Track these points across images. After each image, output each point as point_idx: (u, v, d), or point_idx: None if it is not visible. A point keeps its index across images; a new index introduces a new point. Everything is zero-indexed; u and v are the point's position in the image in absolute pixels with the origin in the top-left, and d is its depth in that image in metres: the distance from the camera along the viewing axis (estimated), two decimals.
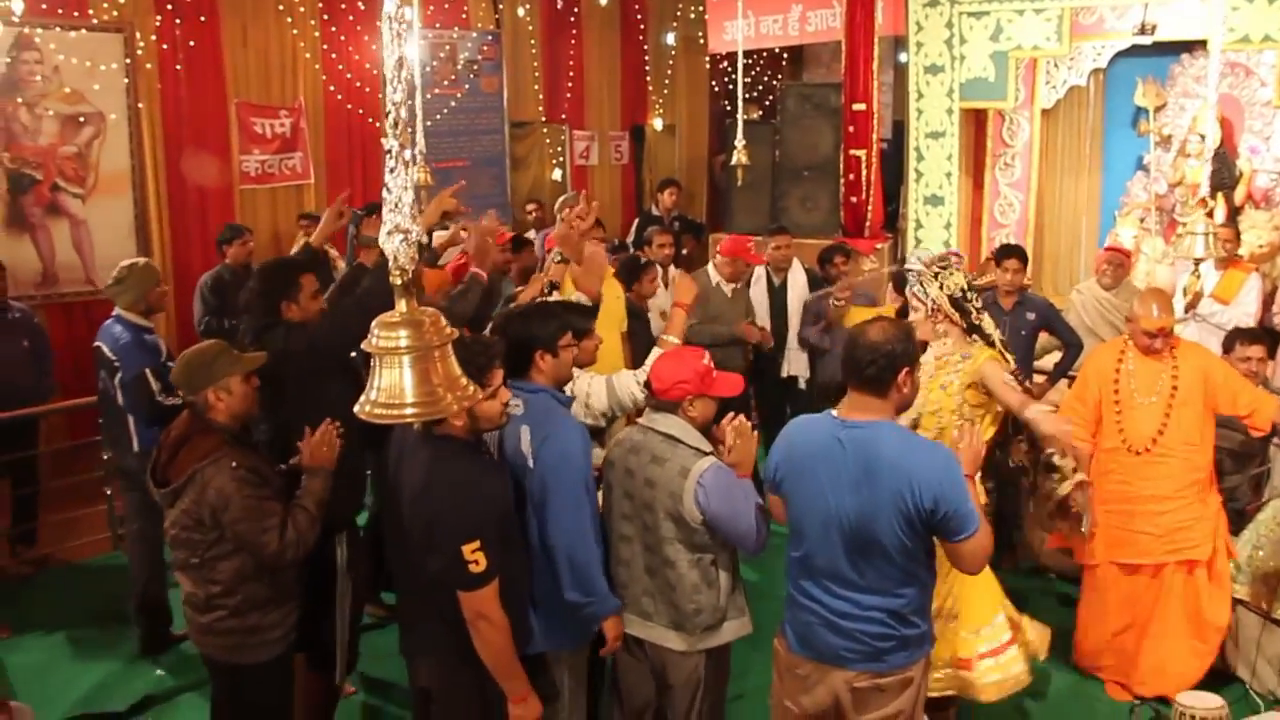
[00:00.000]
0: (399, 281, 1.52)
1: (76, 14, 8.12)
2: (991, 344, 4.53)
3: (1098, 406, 5.02)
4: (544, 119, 11.56)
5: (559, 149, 11.78)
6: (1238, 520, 5.23)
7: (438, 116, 10.08)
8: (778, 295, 7.33)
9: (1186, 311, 7.19)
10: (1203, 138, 8.64)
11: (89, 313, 8.51)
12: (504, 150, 10.96)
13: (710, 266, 7.12)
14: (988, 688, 4.34)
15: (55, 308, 8.28)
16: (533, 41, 11.32)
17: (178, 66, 8.72)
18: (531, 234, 9.15)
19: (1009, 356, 4.61)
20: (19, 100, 7.95)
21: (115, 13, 8.27)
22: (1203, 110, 8.85)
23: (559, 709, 3.72)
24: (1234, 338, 5.57)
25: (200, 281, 7.70)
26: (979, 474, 3.62)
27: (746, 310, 7.08)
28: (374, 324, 1.58)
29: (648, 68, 12.46)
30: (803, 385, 6.71)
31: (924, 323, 4.55)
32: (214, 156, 8.97)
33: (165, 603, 5.57)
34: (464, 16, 10.74)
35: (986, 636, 4.38)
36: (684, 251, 9.29)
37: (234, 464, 3.53)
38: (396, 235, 1.46)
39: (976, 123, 9.59)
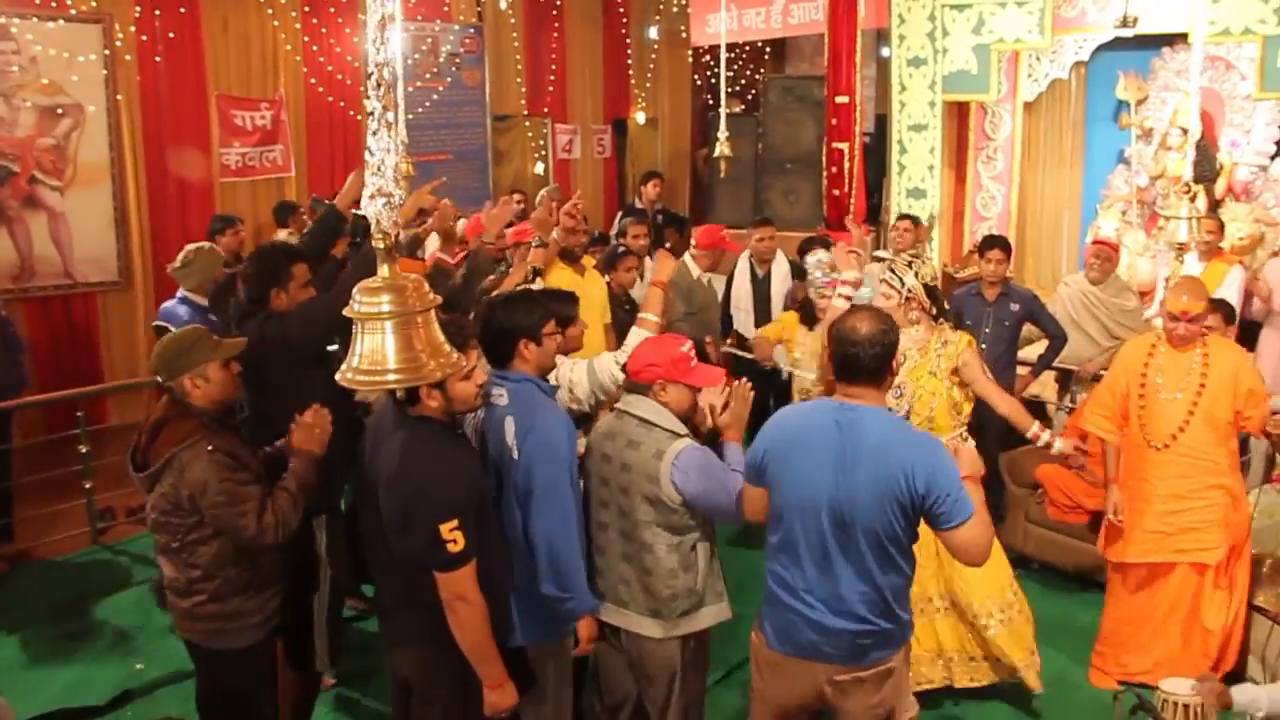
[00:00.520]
0: (382, 246, 1.50)
1: (54, 4, 8.06)
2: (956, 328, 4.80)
3: (1125, 399, 4.91)
4: (526, 112, 11.54)
5: (541, 142, 11.76)
6: None
7: (420, 110, 10.04)
8: (761, 286, 7.33)
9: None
10: (1184, 131, 8.67)
11: (67, 306, 8.47)
12: (486, 144, 10.93)
13: (688, 258, 7.11)
14: (998, 636, 4.70)
15: (33, 301, 8.22)
16: (515, 35, 11.29)
17: (157, 58, 8.66)
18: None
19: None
20: None
21: (94, 3, 8.22)
22: (1184, 103, 8.88)
23: (544, 703, 3.69)
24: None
25: None
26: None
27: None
28: (356, 289, 1.55)
29: (630, 61, 12.46)
30: (785, 376, 6.70)
31: (896, 310, 4.68)
32: (194, 149, 8.91)
33: None
34: (446, 10, 10.71)
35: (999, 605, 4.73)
36: (668, 245, 9.27)
37: (211, 448, 3.50)
38: (379, 199, 1.45)
39: (959, 116, 9.61)
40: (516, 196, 7.49)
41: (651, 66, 12.62)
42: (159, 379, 3.65)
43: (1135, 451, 4.90)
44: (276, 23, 9.32)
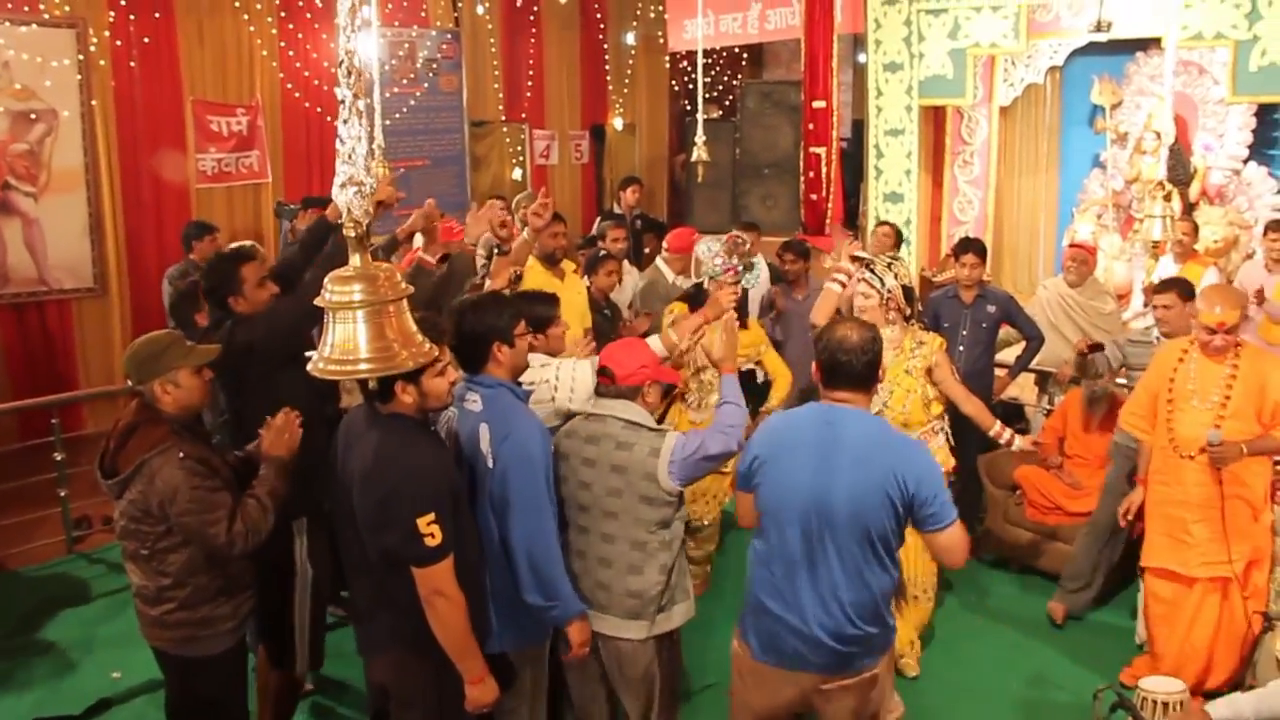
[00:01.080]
0: (353, 234, 1.49)
1: (27, 9, 8.00)
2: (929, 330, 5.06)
3: (1154, 401, 4.87)
4: (504, 118, 11.53)
5: (519, 148, 11.75)
6: None
7: (397, 115, 10.01)
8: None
9: (1145, 305, 7.25)
10: (1158, 135, 8.73)
11: (42, 313, 8.40)
12: (464, 149, 10.91)
13: (660, 263, 7.13)
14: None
15: (6, 308, 8.17)
16: (492, 40, 11.29)
17: (132, 63, 8.62)
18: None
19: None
20: None
21: (67, 8, 8.17)
22: (1158, 107, 8.94)
23: (520, 708, 3.68)
24: (1149, 291, 5.57)
25: (168, 273, 7.53)
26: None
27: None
28: (327, 279, 1.55)
29: (608, 67, 12.46)
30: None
31: (876, 310, 4.87)
32: (170, 155, 8.86)
33: None
34: (423, 15, 10.69)
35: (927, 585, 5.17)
36: (646, 250, 9.28)
37: (181, 454, 3.46)
38: (350, 187, 1.44)
39: (935, 120, 9.63)
40: (499, 203, 7.48)
41: (629, 72, 12.63)
42: (130, 382, 3.62)
43: (1161, 455, 4.84)
44: (252, 28, 9.27)
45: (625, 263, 7.24)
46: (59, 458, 6.57)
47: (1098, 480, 5.81)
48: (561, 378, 4.00)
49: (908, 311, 4.98)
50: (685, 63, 12.41)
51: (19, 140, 8.06)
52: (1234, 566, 4.67)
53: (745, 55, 13.05)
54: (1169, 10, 6.01)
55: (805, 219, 9.82)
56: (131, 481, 3.49)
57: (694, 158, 7.06)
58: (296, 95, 9.64)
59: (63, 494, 6.62)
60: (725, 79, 12.86)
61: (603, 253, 6.55)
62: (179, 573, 3.56)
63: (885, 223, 8.01)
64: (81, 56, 8.25)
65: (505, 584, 3.51)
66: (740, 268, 5.36)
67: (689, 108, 12.22)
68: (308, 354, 4.14)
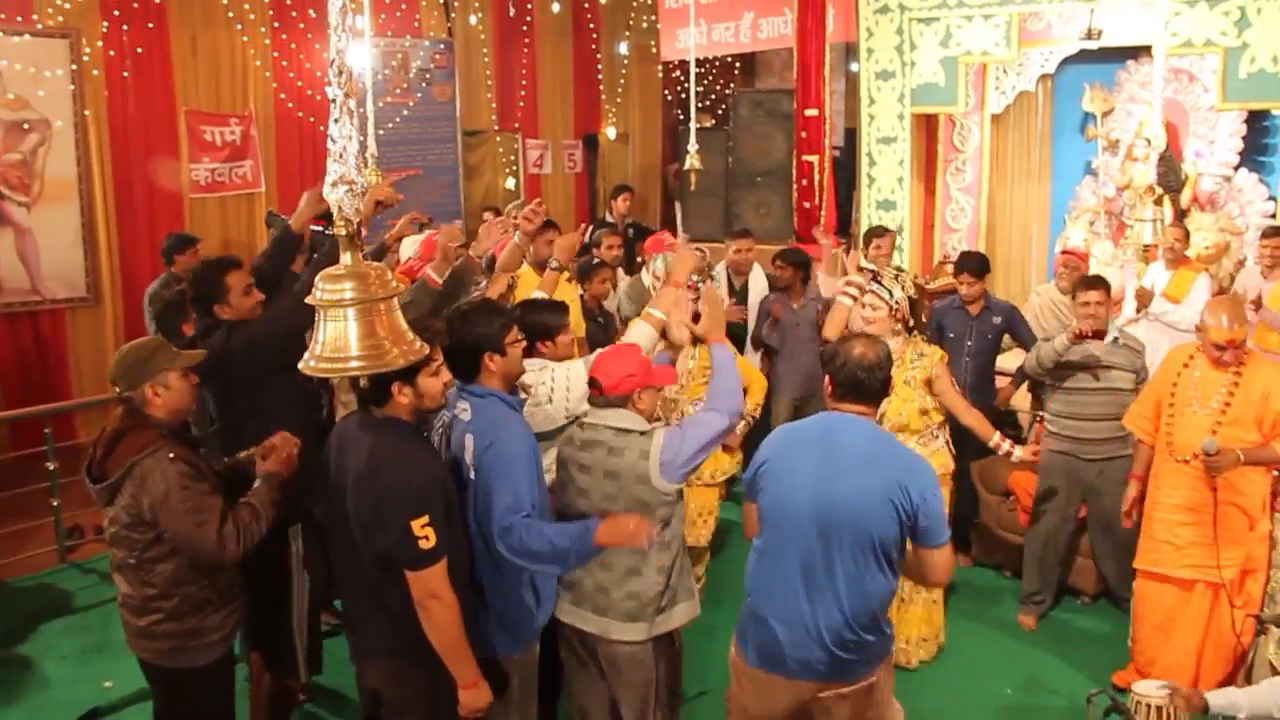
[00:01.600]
0: (344, 233, 1.50)
1: (20, 19, 8.01)
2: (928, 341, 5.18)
3: (1159, 404, 4.89)
4: (497, 128, 11.55)
5: (512, 158, 11.77)
6: None
7: (390, 125, 10.04)
8: (738, 298, 7.36)
9: (1138, 311, 7.27)
10: (1149, 142, 8.75)
11: (35, 323, 8.40)
12: (457, 159, 10.92)
13: (645, 271, 7.13)
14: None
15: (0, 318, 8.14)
16: (485, 50, 11.31)
17: (125, 73, 8.62)
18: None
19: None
20: None
21: (61, 18, 8.18)
22: (1149, 114, 8.97)
23: (509, 712, 3.67)
24: (1077, 285, 5.56)
25: (148, 291, 7.52)
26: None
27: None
28: (318, 277, 1.55)
29: (600, 76, 12.49)
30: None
31: (884, 320, 4.98)
32: (163, 164, 8.86)
33: None
34: (416, 25, 10.71)
35: None
36: (639, 259, 9.28)
37: (171, 455, 3.46)
38: (341, 186, 1.44)
39: (928, 128, 9.66)
40: (496, 217, 7.46)
41: (622, 82, 12.66)
42: (118, 388, 3.62)
43: (1159, 458, 4.87)
44: (246, 38, 9.29)
45: (618, 271, 7.24)
46: (51, 467, 6.55)
47: None
48: (558, 379, 4.01)
49: (911, 323, 5.11)
50: (678, 72, 12.45)
51: (12, 150, 8.06)
52: (1223, 573, 4.68)
53: (738, 64, 13.08)
54: (1158, 18, 6.04)
55: (798, 227, 9.84)
56: (122, 486, 3.48)
57: (686, 166, 7.08)
58: (290, 105, 9.65)
59: (55, 504, 6.61)
60: (718, 88, 12.90)
61: (596, 261, 6.56)
62: (165, 583, 3.55)
63: (884, 231, 7.98)
64: (75, 66, 8.26)
65: (492, 589, 3.52)
66: (699, 282, 5.32)
67: (682, 117, 12.26)
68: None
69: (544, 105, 11.98)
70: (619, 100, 12.66)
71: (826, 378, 3.42)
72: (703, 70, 12.16)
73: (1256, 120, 8.96)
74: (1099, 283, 5.51)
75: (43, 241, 8.27)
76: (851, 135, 10.17)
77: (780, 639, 3.29)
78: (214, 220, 9.17)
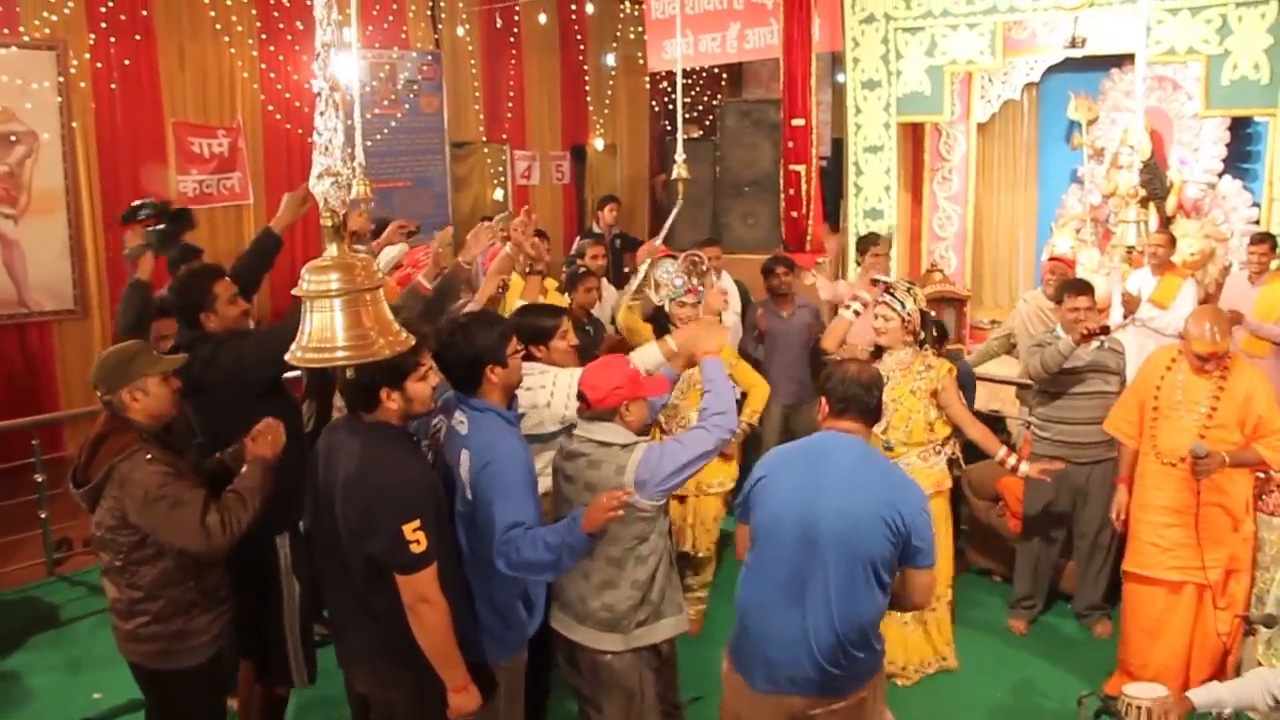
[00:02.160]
0: (330, 224, 1.51)
1: (7, 31, 8.00)
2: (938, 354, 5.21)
3: (1142, 407, 4.92)
4: (485, 139, 11.57)
5: (500, 169, 11.78)
6: None
7: (378, 136, 10.04)
8: None
9: (1125, 317, 7.30)
10: (1133, 149, 8.80)
11: (22, 335, 8.38)
12: (445, 170, 10.93)
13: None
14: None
15: None
16: (473, 62, 11.34)
17: (112, 85, 8.62)
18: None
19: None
20: None
21: (48, 30, 8.17)
22: (1133, 120, 9.02)
23: (496, 718, 3.67)
24: (1063, 290, 5.61)
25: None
26: None
27: None
28: (304, 269, 1.56)
29: (588, 88, 12.53)
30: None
31: (896, 331, 5.06)
32: (150, 176, 8.84)
33: None
34: (403, 37, 10.73)
35: None
36: (625, 269, 9.31)
37: (149, 456, 3.47)
38: (326, 178, 1.45)
39: (914, 137, 9.70)
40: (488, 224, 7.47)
41: (609, 93, 12.70)
42: (99, 393, 3.63)
43: (1144, 460, 4.90)
44: (233, 50, 9.30)
45: (604, 280, 7.26)
46: (39, 479, 6.54)
47: None
48: (559, 385, 4.00)
49: (922, 336, 5.14)
50: (665, 83, 12.49)
51: None
52: (1207, 574, 4.71)
53: (725, 75, 13.14)
54: (1140, 25, 6.09)
55: (786, 236, 9.87)
56: (103, 489, 3.49)
57: (674, 175, 7.09)
58: (278, 117, 9.66)
59: (43, 516, 6.59)
60: (705, 99, 12.94)
61: (582, 270, 6.56)
62: (151, 585, 3.56)
63: (880, 238, 7.97)
64: (62, 79, 8.26)
65: (484, 599, 3.52)
66: (700, 287, 5.39)
67: (669, 128, 12.29)
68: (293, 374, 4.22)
69: (531, 116, 12.01)
70: (606, 111, 12.70)
71: (822, 398, 3.45)
72: (690, 81, 12.21)
73: (1240, 127, 9.02)
74: (1085, 287, 5.55)
75: (30, 253, 8.26)
76: (838, 145, 10.21)
77: (772, 655, 3.30)
78: (202, 232, 9.05)
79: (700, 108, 12.93)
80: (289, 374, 4.35)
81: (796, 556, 3.24)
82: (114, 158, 8.68)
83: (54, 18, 8.17)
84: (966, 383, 6.51)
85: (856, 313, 5.32)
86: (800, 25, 9.40)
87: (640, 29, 11.75)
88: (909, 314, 5.04)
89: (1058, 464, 5.16)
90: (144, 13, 8.74)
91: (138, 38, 8.71)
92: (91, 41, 8.46)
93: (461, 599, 3.44)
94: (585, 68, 12.46)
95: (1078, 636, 5.73)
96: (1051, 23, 8.45)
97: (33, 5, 8.09)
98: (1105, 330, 5.44)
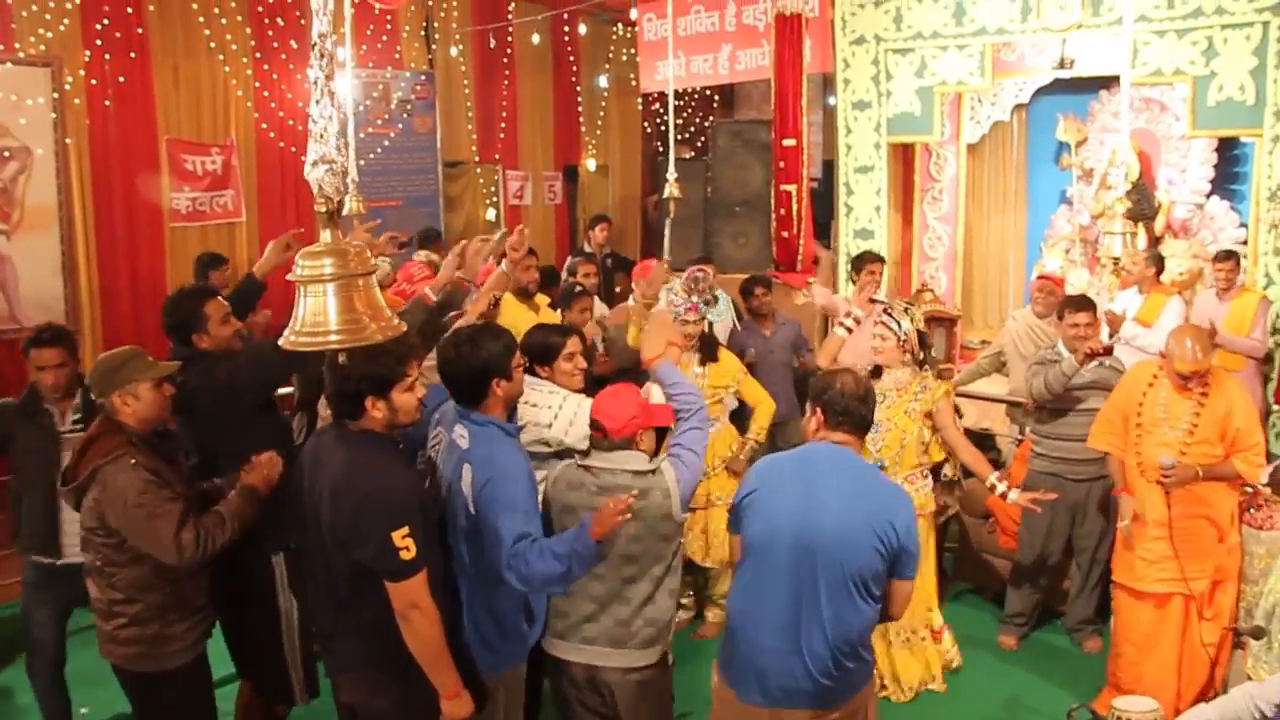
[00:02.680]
0: (323, 210, 1.52)
1: (2, 47, 8.01)
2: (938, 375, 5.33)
3: (1125, 420, 4.95)
4: (477, 159, 11.60)
5: (492, 189, 11.80)
6: None
7: (371, 156, 10.05)
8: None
9: (1110, 336, 7.33)
10: (1119, 166, 8.86)
11: (14, 351, 8.34)
12: (437, 190, 10.94)
13: (633, 300, 7.16)
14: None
15: None
16: (466, 82, 11.38)
17: (107, 102, 8.62)
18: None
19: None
20: None
21: (43, 46, 8.18)
22: (1120, 141, 9.09)
23: None
24: (1064, 306, 5.64)
25: None
26: None
27: None
28: (298, 254, 1.58)
29: (580, 108, 12.58)
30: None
31: (892, 351, 5.09)
32: (144, 193, 8.85)
33: None
34: (397, 56, 10.77)
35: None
36: (617, 289, 9.33)
37: (134, 461, 3.50)
38: (321, 165, 1.47)
39: (904, 158, 9.76)
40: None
41: (602, 114, 12.75)
42: (92, 395, 3.67)
43: (1130, 475, 4.93)
44: (228, 68, 9.32)
45: (595, 299, 7.26)
46: None
47: None
48: (566, 409, 4.00)
49: (920, 356, 5.18)
50: (657, 104, 12.53)
51: None
52: (1191, 585, 4.73)
53: (716, 96, 13.21)
54: (1124, 47, 6.18)
55: (777, 256, 9.89)
56: (87, 489, 3.53)
57: (666, 194, 7.13)
58: (271, 135, 9.67)
59: None
60: (697, 120, 13.00)
61: (578, 288, 6.55)
62: (129, 588, 3.59)
63: (877, 257, 7.96)
64: (56, 95, 8.25)
65: (484, 607, 3.51)
66: (702, 304, 5.45)
67: (661, 148, 12.33)
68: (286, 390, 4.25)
69: (524, 137, 12.04)
70: (599, 132, 12.75)
71: (817, 410, 3.46)
72: (682, 102, 12.25)
73: (1227, 149, 9.09)
74: (1086, 303, 5.56)
75: (22, 269, 8.23)
76: (829, 167, 10.26)
77: (763, 666, 3.31)
78: (195, 249, 9.10)
79: (692, 128, 12.98)
80: (280, 390, 4.37)
81: (791, 569, 3.25)
82: (108, 174, 8.67)
83: (49, 34, 8.18)
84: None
85: (849, 329, 5.33)
86: (791, 47, 9.44)
87: (633, 50, 11.81)
88: (905, 334, 5.07)
89: (1050, 495, 5.09)
90: (139, 30, 8.75)
91: (132, 55, 8.72)
92: (86, 58, 8.47)
93: (452, 607, 3.44)
94: (578, 89, 12.51)
95: (1068, 651, 5.74)
96: (1040, 45, 8.53)
97: (28, 22, 8.10)
98: (1109, 351, 5.46)
